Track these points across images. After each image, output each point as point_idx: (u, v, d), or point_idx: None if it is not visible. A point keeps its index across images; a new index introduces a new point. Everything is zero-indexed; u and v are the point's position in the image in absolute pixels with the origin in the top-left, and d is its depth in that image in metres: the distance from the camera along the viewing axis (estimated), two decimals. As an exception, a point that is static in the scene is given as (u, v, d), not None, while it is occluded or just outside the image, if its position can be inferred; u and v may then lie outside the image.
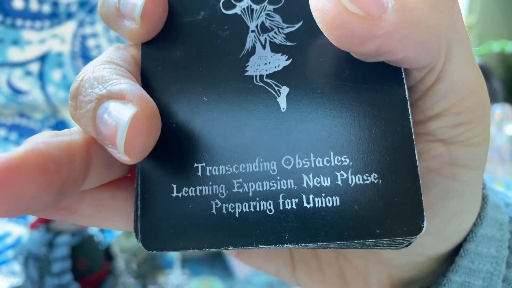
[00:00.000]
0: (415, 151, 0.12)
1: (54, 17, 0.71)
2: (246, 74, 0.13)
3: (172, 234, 0.12)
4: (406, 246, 0.12)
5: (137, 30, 0.13)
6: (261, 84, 0.13)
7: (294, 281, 0.19)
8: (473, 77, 0.13)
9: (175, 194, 0.13)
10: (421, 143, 0.14)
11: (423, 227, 0.11)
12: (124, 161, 0.12)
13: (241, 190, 0.12)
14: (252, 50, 0.13)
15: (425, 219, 0.11)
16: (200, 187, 0.13)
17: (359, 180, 0.12)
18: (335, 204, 0.12)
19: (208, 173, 0.13)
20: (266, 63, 0.13)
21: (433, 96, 0.13)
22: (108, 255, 0.66)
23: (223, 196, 0.12)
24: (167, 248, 0.12)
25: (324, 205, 0.12)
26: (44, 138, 0.11)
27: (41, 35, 0.70)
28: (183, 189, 0.13)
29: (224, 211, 0.12)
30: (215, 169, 0.13)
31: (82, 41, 0.74)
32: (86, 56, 0.75)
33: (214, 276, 0.72)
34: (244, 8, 0.13)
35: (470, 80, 0.13)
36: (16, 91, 0.69)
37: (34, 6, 0.69)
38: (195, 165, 0.13)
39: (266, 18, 0.13)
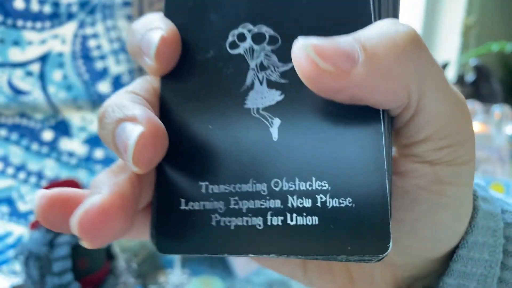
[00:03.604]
0: (386, 182, 0.13)
1: (55, 18, 0.71)
2: (245, 106, 0.15)
3: (180, 240, 0.15)
4: (377, 261, 0.14)
5: (153, 66, 0.15)
6: (257, 116, 0.15)
7: (307, 281, 0.20)
8: (451, 106, 0.14)
9: (183, 207, 0.15)
10: (409, 163, 0.16)
11: (388, 247, 0.13)
12: (135, 171, 0.14)
13: (236, 207, 0.15)
14: (251, 86, 0.15)
15: (391, 240, 0.13)
16: (203, 202, 0.15)
17: (335, 203, 0.14)
18: (314, 223, 0.14)
19: (210, 191, 0.15)
20: (262, 98, 0.15)
21: (414, 126, 0.14)
22: (108, 254, 0.67)
23: (222, 211, 0.15)
24: (176, 251, 0.15)
25: (305, 223, 0.14)
26: (112, 180, 0.14)
27: (42, 36, 0.70)
28: (189, 203, 0.15)
29: (222, 223, 0.15)
30: (216, 187, 0.15)
31: (82, 41, 0.74)
32: (87, 57, 0.75)
33: (214, 276, 0.72)
34: (246, 49, 0.15)
35: (447, 109, 0.14)
36: (17, 91, 0.69)
37: (34, 6, 0.69)
38: (200, 183, 0.15)
39: (264, 57, 0.15)
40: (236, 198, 0.15)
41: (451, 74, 1.64)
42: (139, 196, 0.15)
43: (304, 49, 0.12)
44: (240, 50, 0.15)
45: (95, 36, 0.75)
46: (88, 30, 0.74)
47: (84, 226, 0.13)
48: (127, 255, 0.70)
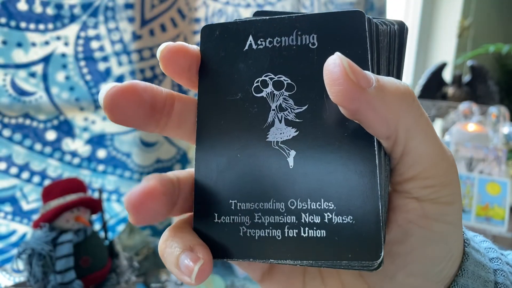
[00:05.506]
0: (380, 205, 0.16)
1: (58, 20, 0.72)
2: (267, 140, 0.18)
3: (214, 247, 0.18)
4: (376, 269, 0.16)
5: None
6: (277, 148, 0.18)
7: None
8: (434, 152, 0.17)
9: (216, 220, 0.18)
10: (400, 199, 0.18)
11: (380, 255, 0.16)
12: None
13: (259, 221, 0.18)
14: (272, 123, 0.18)
15: (382, 250, 0.16)
16: (233, 217, 0.18)
17: (339, 220, 0.17)
18: (322, 235, 0.17)
19: (238, 207, 0.18)
20: (281, 133, 0.18)
21: (404, 164, 0.17)
22: (111, 253, 0.67)
23: (248, 224, 0.18)
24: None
25: (315, 235, 0.17)
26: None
27: (45, 37, 0.71)
28: (222, 217, 0.18)
29: (248, 234, 0.18)
30: (243, 204, 0.18)
31: (85, 43, 0.75)
32: (89, 58, 0.76)
33: (215, 274, 0.73)
34: (268, 93, 0.18)
35: (431, 154, 0.17)
36: (20, 92, 0.70)
37: (38, 8, 0.70)
38: (230, 201, 0.18)
39: (283, 101, 0.18)
40: (260, 214, 0.18)
41: (448, 75, 1.65)
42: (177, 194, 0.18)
43: (341, 60, 0.15)
44: (263, 94, 0.18)
45: (97, 37, 0.76)
46: (91, 32, 0.75)
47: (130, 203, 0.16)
48: (129, 254, 0.71)
